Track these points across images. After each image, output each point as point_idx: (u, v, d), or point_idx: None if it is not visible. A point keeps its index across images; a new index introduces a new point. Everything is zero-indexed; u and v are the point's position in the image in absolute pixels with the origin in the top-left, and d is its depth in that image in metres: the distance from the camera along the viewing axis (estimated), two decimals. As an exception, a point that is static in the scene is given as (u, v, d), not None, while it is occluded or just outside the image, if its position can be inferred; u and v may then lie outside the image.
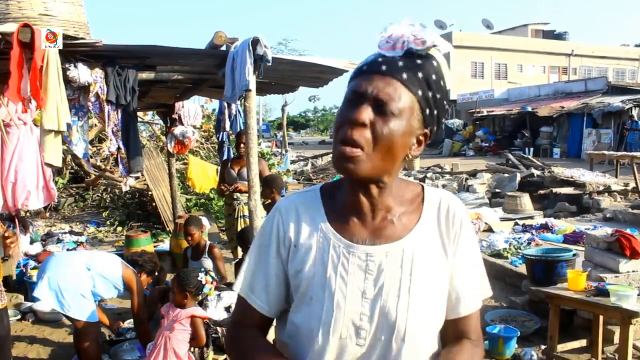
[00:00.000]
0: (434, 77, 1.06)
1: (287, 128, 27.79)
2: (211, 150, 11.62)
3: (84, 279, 3.54)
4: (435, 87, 1.06)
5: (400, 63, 1.04)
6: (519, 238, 6.65)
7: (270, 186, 4.37)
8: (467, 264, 1.15)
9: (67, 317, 3.58)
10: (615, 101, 20.11)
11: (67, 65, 3.27)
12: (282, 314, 1.20)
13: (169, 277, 4.75)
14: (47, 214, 9.54)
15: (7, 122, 3.69)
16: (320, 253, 1.11)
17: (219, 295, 3.74)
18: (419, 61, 1.05)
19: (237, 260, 4.78)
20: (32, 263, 5.83)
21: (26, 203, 3.91)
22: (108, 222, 9.09)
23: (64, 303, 3.43)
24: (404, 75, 1.03)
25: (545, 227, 7.29)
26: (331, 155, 1.11)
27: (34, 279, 4.52)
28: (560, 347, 3.69)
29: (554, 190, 10.28)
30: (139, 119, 8.61)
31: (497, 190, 11.14)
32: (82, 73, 3.33)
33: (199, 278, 3.29)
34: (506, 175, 12.30)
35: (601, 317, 3.64)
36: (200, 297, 3.43)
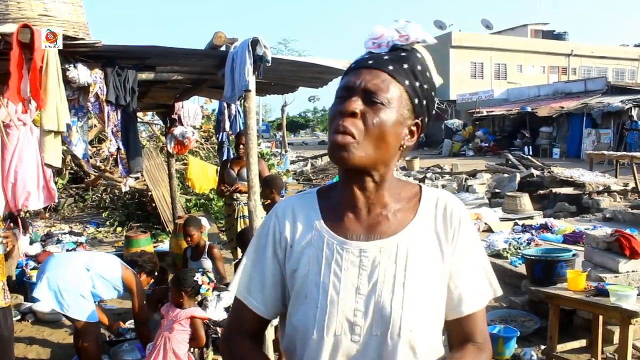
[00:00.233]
0: (419, 67, 1.10)
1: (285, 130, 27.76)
2: (211, 151, 11.62)
3: (83, 279, 3.54)
4: (421, 77, 1.10)
5: (386, 57, 1.09)
6: (518, 238, 6.65)
7: (270, 187, 4.37)
8: (468, 262, 1.14)
9: (67, 318, 3.58)
10: (615, 101, 20.12)
11: (66, 66, 3.26)
12: (283, 319, 1.20)
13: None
14: (47, 215, 9.54)
15: (7, 123, 3.69)
16: (314, 251, 1.12)
17: (218, 295, 3.74)
18: (403, 54, 1.10)
19: (237, 260, 4.78)
20: (31, 263, 5.83)
21: (26, 203, 3.91)
22: (108, 223, 9.09)
23: (63, 303, 3.43)
24: (390, 67, 1.08)
25: (544, 227, 7.29)
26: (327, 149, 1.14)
27: (34, 279, 4.52)
28: (560, 347, 3.69)
29: (554, 190, 10.28)
30: (139, 120, 8.61)
31: (497, 190, 11.14)
32: (81, 73, 3.33)
33: (195, 278, 3.30)
34: (506, 175, 12.31)
35: (601, 317, 3.64)
36: (199, 298, 3.43)
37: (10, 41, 2.93)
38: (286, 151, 21.45)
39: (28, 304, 4.95)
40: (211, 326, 3.52)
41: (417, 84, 1.09)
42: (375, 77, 1.07)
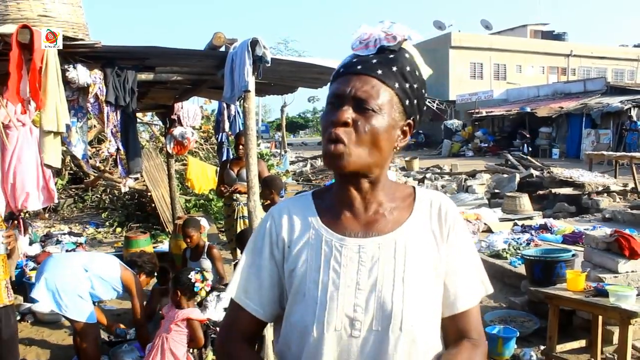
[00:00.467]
0: (408, 68, 1.10)
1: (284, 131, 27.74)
2: (210, 151, 11.62)
3: (82, 280, 3.54)
4: (411, 78, 1.11)
5: (374, 60, 1.09)
6: (518, 238, 6.66)
7: (270, 187, 4.37)
8: (462, 260, 1.16)
9: (66, 318, 3.58)
10: (614, 101, 20.13)
11: (66, 67, 3.26)
12: (277, 323, 1.21)
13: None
14: (46, 215, 9.53)
15: (6, 124, 3.69)
16: (313, 249, 1.13)
17: (218, 296, 3.73)
18: (391, 56, 1.10)
19: (237, 261, 4.77)
20: (31, 264, 5.83)
21: (25, 204, 3.91)
22: (107, 223, 9.09)
23: (62, 304, 3.43)
24: (379, 71, 1.08)
25: (544, 228, 7.30)
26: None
27: (33, 280, 4.51)
28: (560, 348, 3.69)
29: (553, 190, 10.28)
30: (138, 120, 8.61)
31: (496, 190, 11.14)
32: (81, 74, 3.33)
33: (189, 276, 3.30)
34: (505, 175, 12.31)
35: (600, 318, 3.64)
36: (198, 299, 3.43)
37: (9, 42, 2.93)
38: (286, 152, 21.44)
39: (27, 305, 4.95)
40: (210, 327, 3.52)
41: (407, 85, 1.10)
42: (365, 84, 1.07)
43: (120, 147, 3.76)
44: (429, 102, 28.61)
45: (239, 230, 4.98)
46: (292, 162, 19.61)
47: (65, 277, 3.49)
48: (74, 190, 10.86)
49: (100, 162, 10.30)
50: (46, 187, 3.98)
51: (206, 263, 4.41)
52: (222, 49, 3.60)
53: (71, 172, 10.63)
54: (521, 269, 5.12)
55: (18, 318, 4.80)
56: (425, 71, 1.15)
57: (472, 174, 13.32)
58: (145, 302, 4.22)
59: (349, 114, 1.06)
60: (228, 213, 5.39)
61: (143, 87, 4.37)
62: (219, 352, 1.25)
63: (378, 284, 1.08)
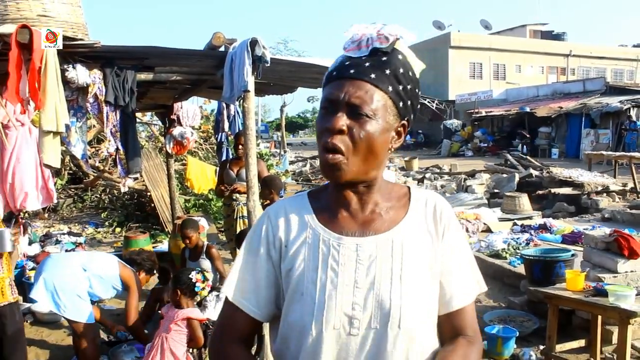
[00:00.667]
0: (401, 70, 1.09)
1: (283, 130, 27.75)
2: (210, 151, 11.61)
3: (80, 279, 3.54)
4: (404, 79, 1.10)
5: (367, 64, 1.08)
6: (517, 238, 6.66)
7: (269, 187, 4.37)
8: (457, 258, 1.18)
9: (65, 318, 3.58)
10: (614, 101, 20.14)
11: (65, 66, 3.26)
12: (274, 323, 1.20)
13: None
14: (46, 215, 9.52)
15: (5, 124, 3.69)
16: (310, 249, 1.13)
17: (217, 295, 3.73)
18: (384, 58, 1.08)
19: (236, 261, 4.77)
20: (30, 264, 5.82)
21: (24, 204, 3.90)
22: (107, 223, 9.08)
23: (60, 304, 3.43)
24: (372, 75, 1.07)
25: (543, 228, 7.30)
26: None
27: (33, 280, 4.51)
28: (559, 347, 3.69)
29: (553, 190, 10.29)
30: (138, 120, 8.60)
31: (496, 190, 11.15)
32: (80, 74, 3.32)
33: (190, 276, 3.30)
34: (505, 175, 12.32)
35: (599, 317, 3.65)
36: (198, 299, 3.43)
37: (9, 42, 2.93)
38: (285, 151, 21.44)
39: (27, 305, 4.94)
40: (210, 326, 3.52)
41: (401, 87, 1.09)
42: (359, 89, 1.06)
43: (120, 147, 3.75)
44: (428, 102, 28.63)
45: (238, 230, 4.98)
46: (291, 162, 19.62)
47: (64, 277, 3.49)
48: (73, 190, 10.85)
49: (99, 162, 10.29)
50: (45, 187, 3.98)
51: (205, 263, 4.41)
52: (222, 48, 3.60)
53: (70, 172, 10.62)
54: (520, 269, 5.13)
55: (17, 318, 4.81)
56: (418, 67, 1.14)
57: (472, 174, 13.33)
58: (144, 302, 4.22)
59: (343, 120, 1.06)
60: (227, 213, 5.39)
61: (142, 87, 4.37)
62: (213, 351, 1.24)
63: (376, 282, 1.09)
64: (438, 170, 15.78)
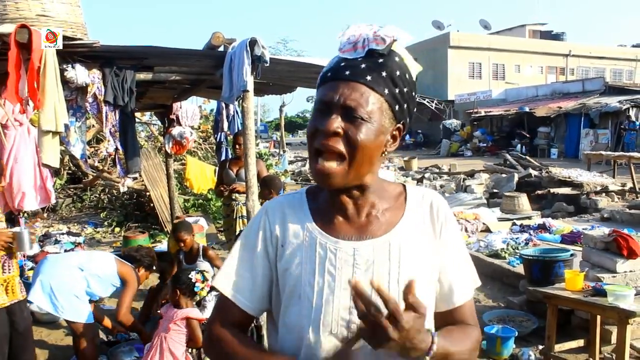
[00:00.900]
0: (397, 72, 1.07)
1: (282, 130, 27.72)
2: (209, 151, 11.60)
3: (77, 279, 3.54)
4: (400, 82, 1.07)
5: (363, 65, 1.05)
6: (516, 238, 6.67)
7: (269, 187, 4.37)
8: (456, 255, 1.18)
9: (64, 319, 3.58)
10: (613, 101, 20.16)
11: (64, 66, 3.26)
12: (270, 321, 1.20)
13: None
14: (45, 215, 9.52)
15: (4, 123, 3.69)
16: (307, 252, 1.13)
17: (217, 295, 3.73)
18: (380, 60, 1.06)
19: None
20: (29, 264, 5.81)
21: (22, 204, 3.90)
22: (106, 223, 9.08)
23: (58, 305, 3.43)
24: (368, 78, 1.04)
25: (542, 227, 7.31)
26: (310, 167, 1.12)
27: (31, 280, 4.51)
28: (558, 347, 3.69)
29: (552, 190, 10.30)
30: (137, 120, 8.59)
31: (495, 190, 11.15)
32: (79, 74, 3.32)
33: (189, 276, 3.31)
34: (504, 175, 12.33)
35: (599, 317, 3.65)
36: (197, 298, 3.43)
37: (8, 41, 2.93)
38: (284, 151, 21.42)
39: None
40: (209, 326, 3.51)
41: (397, 90, 1.07)
42: (354, 91, 1.04)
43: (119, 147, 3.75)
44: (427, 102, 28.64)
45: (238, 230, 4.97)
46: (290, 162, 19.62)
47: (61, 278, 3.48)
48: (72, 190, 10.84)
49: (98, 162, 10.27)
50: (43, 187, 3.98)
51: (203, 265, 4.38)
52: (221, 48, 3.60)
53: (70, 171, 10.61)
54: (520, 269, 5.13)
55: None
56: (415, 69, 1.11)
57: (471, 174, 13.34)
58: (143, 302, 4.22)
59: (337, 122, 1.04)
60: (227, 213, 5.38)
61: (142, 86, 4.37)
62: (207, 346, 1.22)
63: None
64: (437, 170, 15.80)
